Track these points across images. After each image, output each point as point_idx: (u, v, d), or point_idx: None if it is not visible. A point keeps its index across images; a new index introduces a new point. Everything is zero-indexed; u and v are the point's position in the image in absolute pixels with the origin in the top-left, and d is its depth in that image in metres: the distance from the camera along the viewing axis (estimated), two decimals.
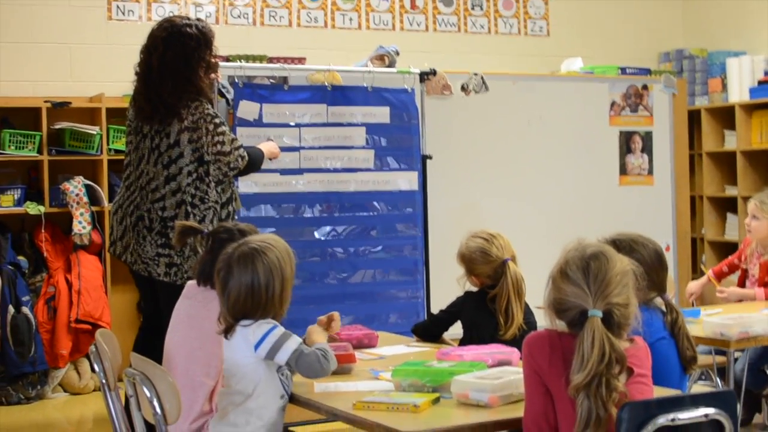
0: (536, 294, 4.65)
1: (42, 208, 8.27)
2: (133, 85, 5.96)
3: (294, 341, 3.88)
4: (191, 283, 4.62)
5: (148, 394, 3.68)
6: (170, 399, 3.67)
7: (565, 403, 3.21)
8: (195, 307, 4.49)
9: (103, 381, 4.27)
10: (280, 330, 3.87)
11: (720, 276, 7.01)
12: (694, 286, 7.03)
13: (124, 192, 5.97)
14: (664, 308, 4.15)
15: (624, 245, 4.11)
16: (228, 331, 3.89)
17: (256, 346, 3.83)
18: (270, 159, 6.34)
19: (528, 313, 4.96)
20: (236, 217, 6.01)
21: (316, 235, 6.97)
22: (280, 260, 3.90)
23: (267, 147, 6.28)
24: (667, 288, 4.26)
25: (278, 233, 6.61)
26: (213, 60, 5.94)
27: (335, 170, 6.97)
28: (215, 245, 4.48)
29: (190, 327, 4.46)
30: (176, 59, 5.77)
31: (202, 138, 5.73)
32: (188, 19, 5.95)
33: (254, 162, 6.00)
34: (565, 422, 3.23)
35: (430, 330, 5.24)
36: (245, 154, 5.85)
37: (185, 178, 5.76)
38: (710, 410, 3.24)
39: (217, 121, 5.78)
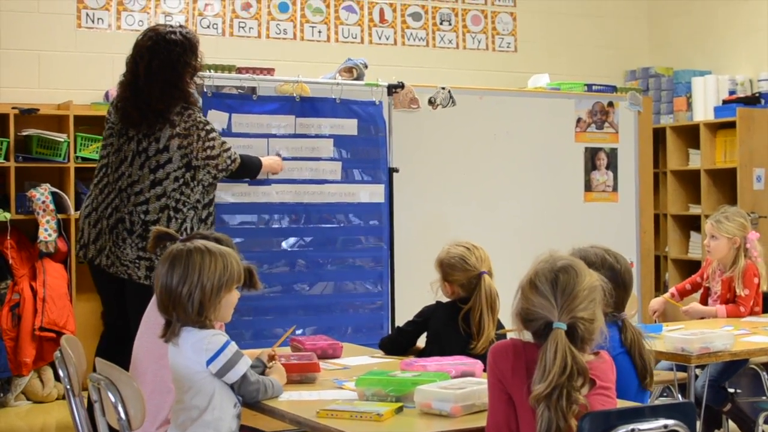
0: (502, 308, 4.69)
1: (8, 215, 8.25)
2: (116, 91, 5.99)
3: (244, 363, 3.87)
4: None
5: (113, 399, 3.68)
6: (135, 404, 3.67)
7: (527, 413, 3.24)
8: None
9: (68, 387, 4.26)
10: (233, 347, 3.86)
11: (683, 294, 7.06)
12: (656, 303, 7.07)
13: (97, 194, 5.97)
14: (620, 323, 4.17)
15: (597, 259, 4.14)
16: (167, 331, 3.89)
17: (209, 361, 3.82)
18: (272, 174, 6.48)
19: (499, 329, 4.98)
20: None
21: (283, 245, 6.98)
22: (201, 268, 3.86)
23: (268, 160, 6.46)
24: (626, 306, 4.27)
25: (246, 243, 6.68)
26: (199, 65, 6.00)
27: (303, 181, 6.97)
28: None
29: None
30: (163, 66, 5.83)
31: (193, 144, 5.80)
32: (172, 26, 6.01)
33: (246, 166, 6.14)
34: (526, 431, 3.26)
35: (398, 342, 5.20)
36: (235, 156, 6.00)
37: (171, 183, 5.81)
38: (670, 421, 3.27)
39: (208, 128, 5.90)
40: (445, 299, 5.10)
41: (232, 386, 3.87)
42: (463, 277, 4.98)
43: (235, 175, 6.14)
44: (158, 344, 4.37)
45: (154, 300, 4.62)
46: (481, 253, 5.04)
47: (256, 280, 4.25)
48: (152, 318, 4.58)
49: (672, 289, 7.15)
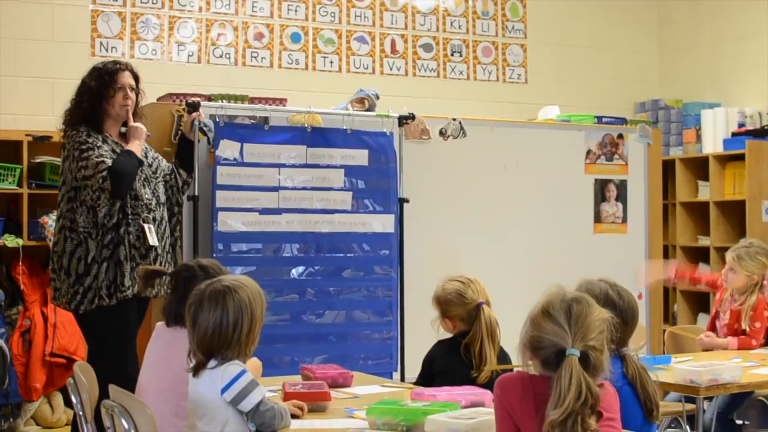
0: (510, 339, 4.71)
1: (20, 241, 8.29)
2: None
3: (259, 392, 3.86)
4: (160, 324, 4.63)
5: (126, 426, 3.71)
6: (148, 431, 3.70)
7: None
8: (163, 348, 4.50)
9: (80, 413, 4.29)
10: (248, 377, 3.86)
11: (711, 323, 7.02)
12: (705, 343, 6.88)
13: None
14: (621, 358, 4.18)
15: (600, 294, 4.16)
16: (197, 369, 3.90)
17: (224, 390, 3.82)
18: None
19: (503, 360, 5.00)
20: (154, 246, 5.94)
21: (293, 274, 7.00)
22: (251, 300, 3.91)
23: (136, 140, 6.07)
24: (629, 341, 4.28)
25: (256, 272, 6.70)
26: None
27: (313, 211, 6.99)
28: (178, 285, 4.53)
29: (160, 368, 4.47)
30: None
31: (72, 164, 5.83)
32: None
33: (120, 172, 5.79)
34: None
35: None
36: (107, 174, 5.74)
37: (65, 204, 5.88)
38: None
39: (83, 147, 5.83)
40: (446, 336, 5.13)
41: (247, 415, 3.88)
42: (462, 311, 5.02)
43: (117, 189, 5.77)
44: (158, 379, 4.41)
45: (154, 334, 4.66)
46: (477, 285, 5.08)
47: None
48: (152, 353, 4.60)
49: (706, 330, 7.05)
